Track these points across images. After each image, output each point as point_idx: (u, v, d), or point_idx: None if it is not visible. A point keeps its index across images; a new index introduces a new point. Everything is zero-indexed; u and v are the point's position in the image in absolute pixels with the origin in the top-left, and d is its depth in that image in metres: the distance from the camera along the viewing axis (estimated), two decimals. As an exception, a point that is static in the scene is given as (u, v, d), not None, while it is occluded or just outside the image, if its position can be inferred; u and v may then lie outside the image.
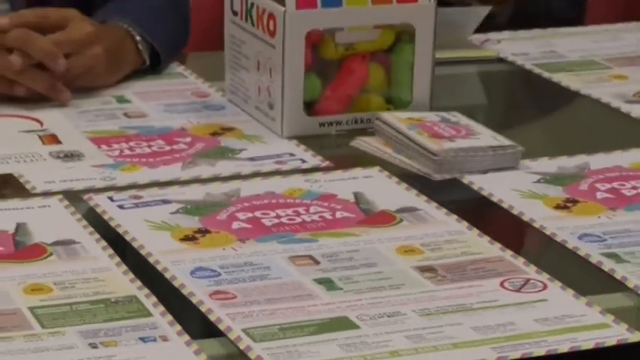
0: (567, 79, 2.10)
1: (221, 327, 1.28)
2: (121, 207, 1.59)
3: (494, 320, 1.32)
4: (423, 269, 1.44)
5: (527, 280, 1.42)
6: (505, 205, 1.63)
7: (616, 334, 1.29)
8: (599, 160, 1.77)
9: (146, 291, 1.36)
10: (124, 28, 2.00)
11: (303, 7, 1.80)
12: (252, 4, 1.85)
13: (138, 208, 1.59)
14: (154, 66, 2.04)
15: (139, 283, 1.38)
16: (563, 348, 1.26)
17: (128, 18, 2.01)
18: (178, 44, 2.12)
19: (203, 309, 1.33)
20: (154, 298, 1.35)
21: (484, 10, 2.22)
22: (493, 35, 2.29)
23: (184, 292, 1.37)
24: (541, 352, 1.26)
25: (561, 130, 2.02)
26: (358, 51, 1.85)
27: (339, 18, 1.82)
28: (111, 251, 1.46)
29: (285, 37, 1.80)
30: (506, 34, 2.31)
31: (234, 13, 1.90)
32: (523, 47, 2.24)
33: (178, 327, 1.28)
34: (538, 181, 1.70)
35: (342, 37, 1.84)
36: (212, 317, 1.31)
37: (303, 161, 1.75)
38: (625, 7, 2.65)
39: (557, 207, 1.63)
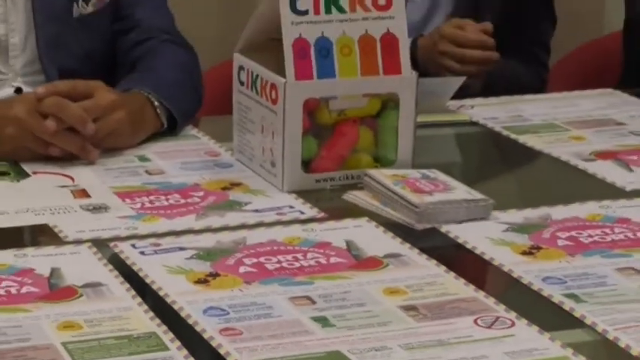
0: (531, 140, 2.09)
1: (230, 360, 1.29)
2: (142, 253, 1.59)
3: (469, 354, 1.32)
4: (406, 308, 1.44)
5: (497, 318, 1.41)
6: (478, 252, 1.63)
7: (575, 365, 1.30)
8: (559, 212, 1.76)
9: (164, 328, 1.36)
10: (145, 95, 1.99)
11: (301, 79, 1.79)
12: (257, 76, 1.85)
13: (157, 255, 1.58)
14: (171, 129, 2.03)
15: (158, 320, 1.38)
16: (530, 377, 1.26)
17: (148, 87, 2.01)
18: (192, 110, 2.11)
19: (214, 344, 1.33)
20: (171, 334, 1.34)
21: (459, 81, 2.22)
22: (467, 101, 2.28)
23: (197, 328, 1.36)
24: (510, 381, 1.26)
25: (526, 185, 2.02)
26: (349, 116, 1.84)
27: (332, 88, 1.82)
28: (133, 292, 1.46)
29: (285, 104, 1.79)
30: (478, 101, 2.30)
31: (242, 84, 1.90)
32: (493, 112, 2.23)
33: (192, 360, 1.29)
34: (506, 230, 1.69)
35: (336, 105, 1.83)
36: (222, 351, 1.31)
37: (301, 213, 1.74)
38: (581, 78, 2.65)
39: (524, 253, 1.62)
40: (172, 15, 2.26)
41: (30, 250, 1.58)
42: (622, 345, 1.35)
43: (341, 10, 1.82)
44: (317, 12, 1.81)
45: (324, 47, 1.81)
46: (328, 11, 1.81)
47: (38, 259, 1.55)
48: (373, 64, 1.83)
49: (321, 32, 1.81)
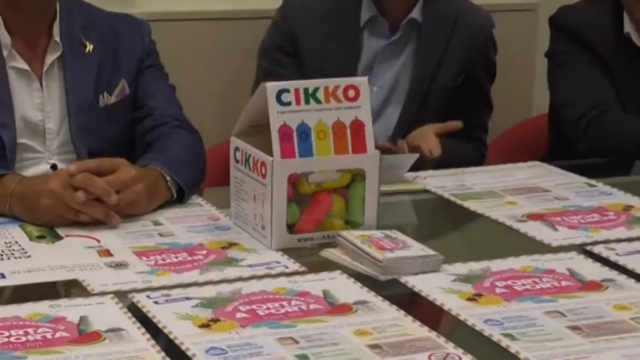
0: (474, 205, 2.08)
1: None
2: (155, 302, 1.58)
3: (425, 385, 1.31)
4: (372, 347, 1.43)
5: (448, 354, 1.41)
6: (431, 298, 1.62)
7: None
8: (497, 265, 1.75)
9: (174, 365, 1.35)
10: (159, 171, 1.98)
11: (286, 158, 1.79)
12: (250, 155, 1.84)
13: (168, 304, 1.57)
14: (180, 198, 2.01)
15: (168, 359, 1.37)
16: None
17: (161, 164, 2.00)
18: (197, 182, 2.10)
19: (215, 378, 1.32)
20: (179, 371, 1.34)
21: (414, 157, 2.21)
22: (421, 173, 2.26)
23: (201, 366, 1.36)
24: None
25: (470, 242, 2.01)
26: (325, 188, 1.83)
27: (311, 165, 1.81)
28: (148, 336, 1.45)
29: (273, 178, 1.78)
30: (430, 173, 2.28)
31: (237, 161, 1.89)
32: (442, 182, 2.22)
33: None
34: (454, 280, 1.68)
35: (314, 178, 1.82)
36: (221, 385, 1.30)
37: (286, 267, 1.73)
38: (514, 152, 2.65)
39: (468, 299, 1.61)
40: (181, 105, 2.26)
41: (63, 301, 1.57)
42: (550, 376, 1.35)
43: (318, 101, 1.82)
44: (298, 103, 1.80)
45: (304, 132, 1.80)
46: (307, 102, 1.81)
47: (69, 309, 1.54)
48: (344, 145, 1.82)
49: (301, 120, 1.80)
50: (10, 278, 1.66)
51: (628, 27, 2.53)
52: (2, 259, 1.73)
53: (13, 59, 2.10)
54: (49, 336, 1.44)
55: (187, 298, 1.59)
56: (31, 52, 2.11)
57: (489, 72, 2.68)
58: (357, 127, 1.83)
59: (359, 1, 2.56)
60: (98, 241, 1.83)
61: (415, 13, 2.56)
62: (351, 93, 1.83)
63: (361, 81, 1.85)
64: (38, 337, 1.44)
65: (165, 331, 1.47)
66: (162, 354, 1.39)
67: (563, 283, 1.68)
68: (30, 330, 1.46)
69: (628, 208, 2.07)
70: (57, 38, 2.12)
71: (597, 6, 2.60)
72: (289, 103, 1.80)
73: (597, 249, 1.84)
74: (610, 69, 2.54)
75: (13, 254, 1.76)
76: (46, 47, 2.12)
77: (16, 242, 1.81)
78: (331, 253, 1.79)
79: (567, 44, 2.58)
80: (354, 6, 2.56)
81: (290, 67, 2.55)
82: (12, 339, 1.43)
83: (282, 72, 2.53)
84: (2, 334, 1.45)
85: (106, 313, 1.53)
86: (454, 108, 2.57)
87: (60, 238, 1.84)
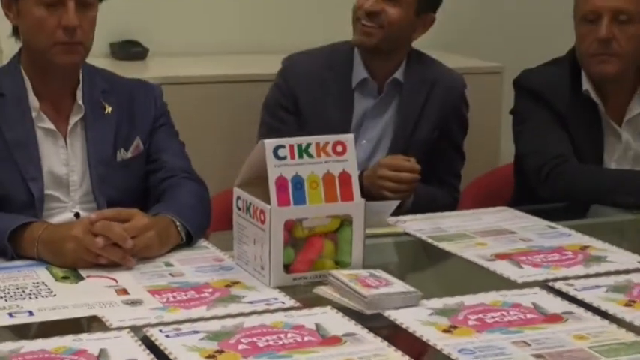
0: (448, 246, 2.07)
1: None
2: (167, 336, 1.57)
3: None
4: (360, 374, 1.43)
5: (426, 381, 1.41)
6: (411, 330, 1.62)
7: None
8: (470, 299, 1.74)
9: (183, 393, 1.35)
10: (169, 218, 1.98)
11: (282, 206, 1.79)
12: (250, 204, 1.84)
13: (178, 337, 1.57)
14: (188, 242, 2.01)
15: (178, 387, 1.37)
16: None
17: (172, 212, 2.00)
18: (204, 227, 2.08)
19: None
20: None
21: (394, 204, 2.21)
22: (401, 218, 2.26)
23: (207, 393, 1.35)
24: None
25: (445, 279, 2.00)
26: (317, 232, 1.83)
27: (304, 212, 1.81)
28: (161, 366, 1.45)
29: (271, 224, 1.78)
30: (409, 217, 2.27)
31: (239, 209, 1.89)
32: (420, 225, 2.21)
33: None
34: (431, 314, 1.68)
35: (307, 224, 1.82)
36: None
37: (283, 303, 1.73)
38: (483, 198, 2.65)
39: (445, 330, 1.61)
40: (189, 159, 2.25)
41: (84, 335, 1.57)
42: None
43: (310, 156, 1.82)
44: (292, 158, 1.81)
45: (298, 183, 1.80)
46: (301, 157, 1.81)
47: (90, 342, 1.54)
48: (333, 194, 1.82)
49: (295, 172, 1.81)
50: (37, 315, 1.66)
51: (586, 85, 2.54)
52: (30, 297, 1.73)
53: (41, 120, 2.11)
54: (72, 367, 1.44)
55: (195, 332, 1.59)
56: (57, 114, 2.12)
57: (462, 126, 2.70)
58: (345, 178, 1.84)
59: (350, 66, 2.59)
60: (116, 280, 1.82)
61: (398, 74, 2.59)
62: (339, 148, 1.84)
63: (348, 138, 1.86)
64: (62, 368, 1.44)
65: (176, 362, 1.47)
66: (173, 382, 1.39)
67: (528, 316, 1.68)
68: (55, 362, 1.46)
69: (584, 247, 2.07)
70: (80, 101, 2.13)
71: (556, 67, 2.61)
72: (285, 158, 1.80)
73: (558, 285, 1.84)
74: (568, 124, 2.54)
75: (40, 293, 1.75)
76: (70, 109, 2.13)
77: (43, 282, 1.81)
78: (323, 290, 1.79)
79: (529, 103, 2.59)
80: (347, 70, 2.58)
81: (290, 124, 2.57)
82: (39, 370, 1.43)
83: (283, 128, 2.55)
84: (31, 365, 1.44)
85: (123, 346, 1.53)
86: (431, 158, 2.58)
87: (82, 278, 1.83)
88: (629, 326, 1.64)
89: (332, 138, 1.84)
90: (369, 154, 2.61)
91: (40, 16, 2.03)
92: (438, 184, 2.61)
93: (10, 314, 1.66)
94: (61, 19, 2.03)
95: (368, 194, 2.34)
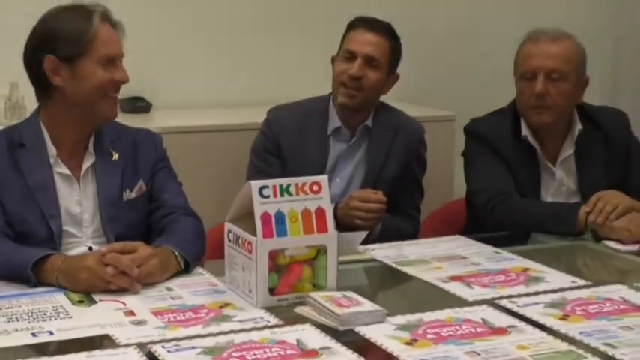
0: (410, 270, 2.08)
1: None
2: (168, 351, 1.58)
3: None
4: (334, 382, 1.43)
5: (391, 386, 1.41)
6: (378, 344, 1.62)
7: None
8: (428, 316, 1.75)
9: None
10: (170, 249, 1.99)
11: (266, 238, 1.80)
12: (239, 236, 1.85)
13: (178, 352, 1.57)
14: (186, 269, 2.01)
15: (178, 396, 1.37)
16: None
17: (172, 244, 2.00)
18: (199, 257, 2.09)
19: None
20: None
21: (364, 234, 2.23)
22: (370, 246, 2.26)
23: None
24: None
25: (407, 299, 2.00)
26: (297, 260, 1.84)
27: (286, 242, 1.82)
28: (163, 378, 1.45)
29: (257, 253, 1.79)
30: (377, 246, 2.28)
31: (230, 240, 1.89)
32: (386, 252, 2.22)
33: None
34: (395, 329, 1.69)
35: (288, 252, 1.82)
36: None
37: (268, 321, 1.73)
38: (440, 228, 2.66)
39: (407, 343, 1.62)
40: (186, 197, 2.25)
41: (97, 352, 1.57)
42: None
43: (290, 194, 1.83)
44: (275, 196, 1.82)
45: (280, 218, 1.81)
46: (282, 195, 1.83)
47: (102, 358, 1.55)
48: (310, 227, 1.83)
49: (278, 209, 1.82)
50: (56, 334, 1.67)
51: (525, 131, 2.58)
52: (51, 319, 1.73)
53: (58, 166, 2.11)
54: (86, 380, 1.44)
55: (193, 347, 1.59)
56: (72, 161, 2.12)
57: (422, 166, 2.73)
58: (320, 213, 1.85)
59: (326, 116, 2.63)
60: (124, 304, 1.82)
61: (369, 122, 2.63)
62: (315, 187, 1.85)
63: (322, 179, 1.87)
64: (78, 380, 1.43)
65: (176, 373, 1.47)
66: (173, 392, 1.38)
67: (478, 329, 1.69)
68: (72, 375, 1.45)
69: (525, 269, 2.08)
70: (91, 150, 2.14)
71: (500, 116, 2.64)
72: (268, 196, 1.82)
73: (503, 302, 1.85)
74: (510, 165, 2.57)
75: (58, 315, 1.76)
76: (82, 156, 2.13)
77: (61, 306, 1.81)
78: (303, 310, 1.79)
79: (478, 147, 2.62)
80: (323, 120, 2.63)
81: (275, 166, 2.60)
82: (58, 383, 1.42)
83: (269, 170, 2.58)
84: (50, 379, 1.44)
85: (130, 361, 1.52)
86: (396, 193, 2.60)
87: (95, 302, 1.83)
88: (564, 337, 1.66)
89: (309, 179, 1.86)
90: (342, 190, 2.63)
91: (100, 74, 2.02)
92: (402, 216, 2.63)
93: (33, 334, 1.66)
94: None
95: (342, 223, 2.37)
